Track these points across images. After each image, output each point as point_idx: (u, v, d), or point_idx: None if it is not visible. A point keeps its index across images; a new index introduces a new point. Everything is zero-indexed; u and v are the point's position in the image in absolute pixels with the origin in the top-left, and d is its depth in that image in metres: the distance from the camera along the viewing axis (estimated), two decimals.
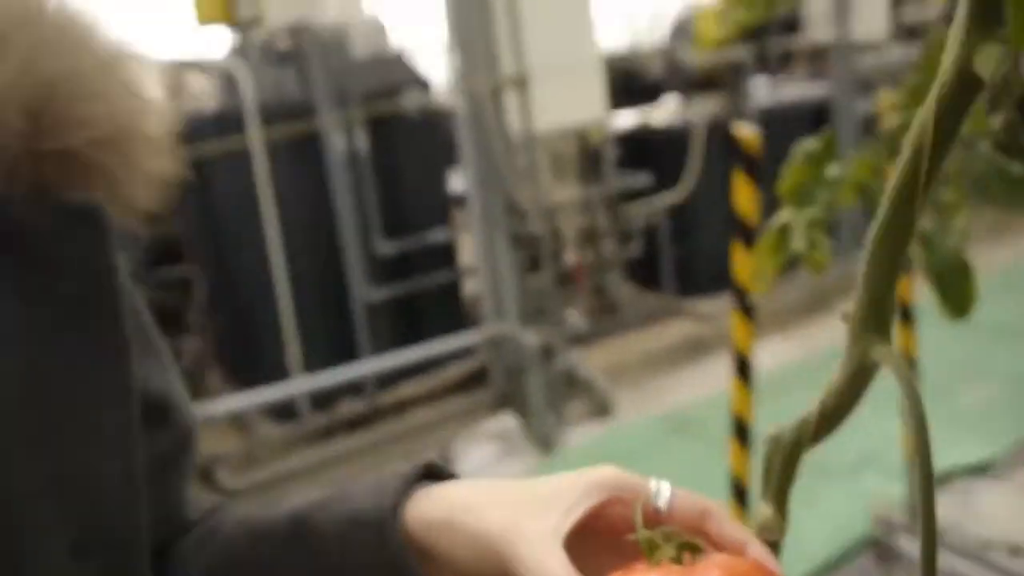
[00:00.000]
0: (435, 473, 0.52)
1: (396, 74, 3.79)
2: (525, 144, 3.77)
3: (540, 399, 3.58)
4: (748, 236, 1.96)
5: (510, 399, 3.64)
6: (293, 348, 3.54)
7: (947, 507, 2.67)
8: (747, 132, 1.97)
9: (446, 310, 3.97)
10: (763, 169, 1.94)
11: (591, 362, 4.06)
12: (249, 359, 3.89)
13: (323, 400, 3.55)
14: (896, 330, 1.53)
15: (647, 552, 0.43)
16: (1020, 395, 3.44)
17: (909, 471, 2.40)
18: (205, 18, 3.72)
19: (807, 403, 0.43)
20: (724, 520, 0.46)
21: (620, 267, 4.60)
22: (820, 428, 0.43)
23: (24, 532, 0.43)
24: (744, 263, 1.99)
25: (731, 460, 2.12)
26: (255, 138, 3.43)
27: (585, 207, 4.45)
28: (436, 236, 3.88)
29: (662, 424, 3.62)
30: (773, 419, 0.47)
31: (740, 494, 2.15)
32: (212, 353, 4.22)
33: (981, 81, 0.33)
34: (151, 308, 0.55)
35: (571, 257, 4.44)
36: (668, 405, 3.78)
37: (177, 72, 3.82)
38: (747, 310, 2.02)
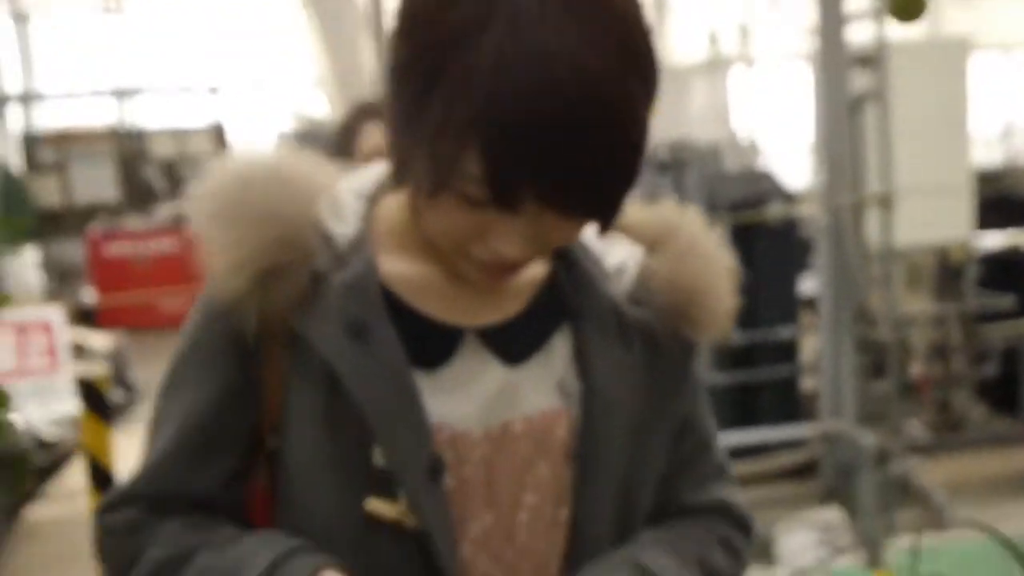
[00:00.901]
0: None
1: (762, 186, 4.24)
2: (882, 256, 4.00)
3: (870, 499, 3.73)
4: None
5: (838, 495, 3.83)
6: None
7: None
8: None
9: (783, 402, 4.26)
10: None
11: (930, 475, 4.10)
12: None
13: None
14: None
15: None
16: None
17: None
18: None
19: None
20: None
21: (971, 385, 4.56)
22: None
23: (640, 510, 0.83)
24: None
25: None
26: None
27: (940, 322, 4.52)
28: (783, 333, 4.21)
29: (996, 547, 3.58)
30: None
31: None
32: None
33: None
34: None
35: (918, 369, 4.51)
36: (1006, 531, 3.72)
37: None
38: None
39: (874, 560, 3.62)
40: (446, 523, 0.73)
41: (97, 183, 7.95)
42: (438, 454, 0.74)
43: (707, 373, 4.10)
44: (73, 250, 8.24)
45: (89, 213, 8.27)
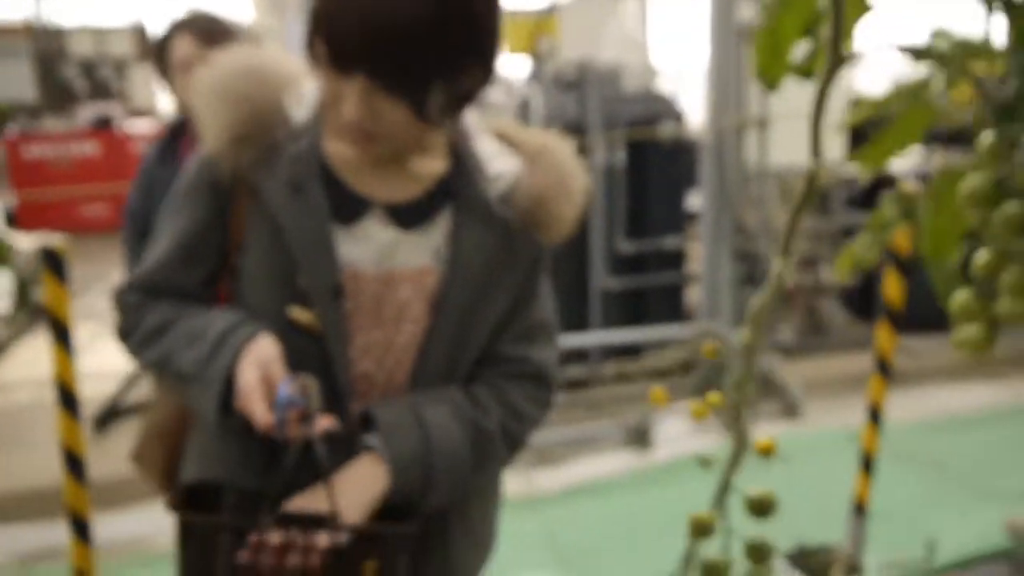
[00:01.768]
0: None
1: (657, 107, 4.57)
2: (758, 176, 4.41)
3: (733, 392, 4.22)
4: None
5: (709, 388, 4.30)
6: None
7: None
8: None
9: (669, 306, 4.71)
10: None
11: (791, 373, 4.61)
12: None
13: None
14: None
15: None
16: None
17: None
18: (513, 49, 4.73)
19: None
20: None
21: (836, 295, 5.07)
22: None
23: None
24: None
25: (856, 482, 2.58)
26: None
27: (810, 237, 4.98)
28: (670, 242, 4.62)
29: (842, 435, 4.11)
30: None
31: (859, 509, 2.60)
32: None
33: None
34: None
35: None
36: (855, 422, 4.26)
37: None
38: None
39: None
40: (342, 330, 1.05)
41: (14, 82, 7.84)
42: (341, 283, 1.04)
43: (601, 277, 4.50)
44: None
45: (5, 113, 8.16)
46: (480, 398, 1.13)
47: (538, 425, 1.20)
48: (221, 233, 1.09)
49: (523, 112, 4.54)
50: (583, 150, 4.46)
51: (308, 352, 1.05)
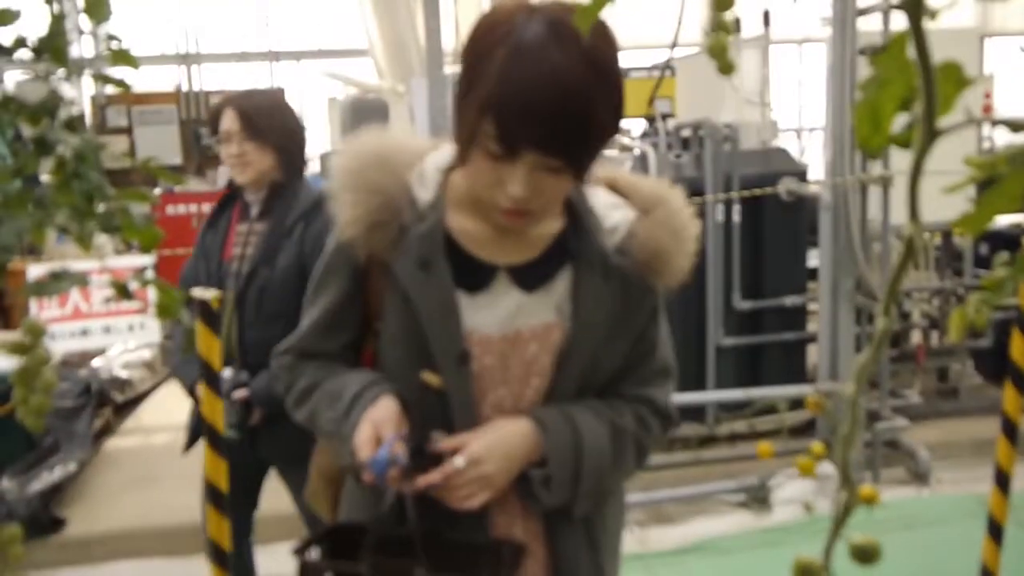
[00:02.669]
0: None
1: (776, 164, 4.55)
2: (882, 233, 4.31)
3: (859, 456, 4.08)
4: None
5: (831, 451, 4.18)
6: None
7: None
8: None
9: (789, 366, 4.61)
10: None
11: (919, 437, 4.43)
12: None
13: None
14: None
15: None
16: None
17: None
18: (629, 110, 4.81)
19: None
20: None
21: (967, 356, 4.85)
22: None
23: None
24: None
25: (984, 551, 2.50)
26: None
27: (940, 296, 4.81)
28: (789, 301, 4.55)
29: (971, 501, 3.92)
30: None
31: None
32: None
33: None
34: None
35: (916, 339, 4.82)
36: (985, 488, 4.04)
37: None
38: None
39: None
40: (468, 391, 1.16)
41: (165, 146, 8.45)
42: (466, 349, 1.16)
43: (717, 334, 4.46)
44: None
45: (156, 174, 8.71)
46: (615, 403, 1.23)
47: (655, 447, 1.28)
48: (360, 304, 1.22)
49: (641, 168, 4.60)
50: (699, 209, 4.47)
51: (437, 413, 1.16)
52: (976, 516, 3.83)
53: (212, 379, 1.77)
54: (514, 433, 1.14)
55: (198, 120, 8.40)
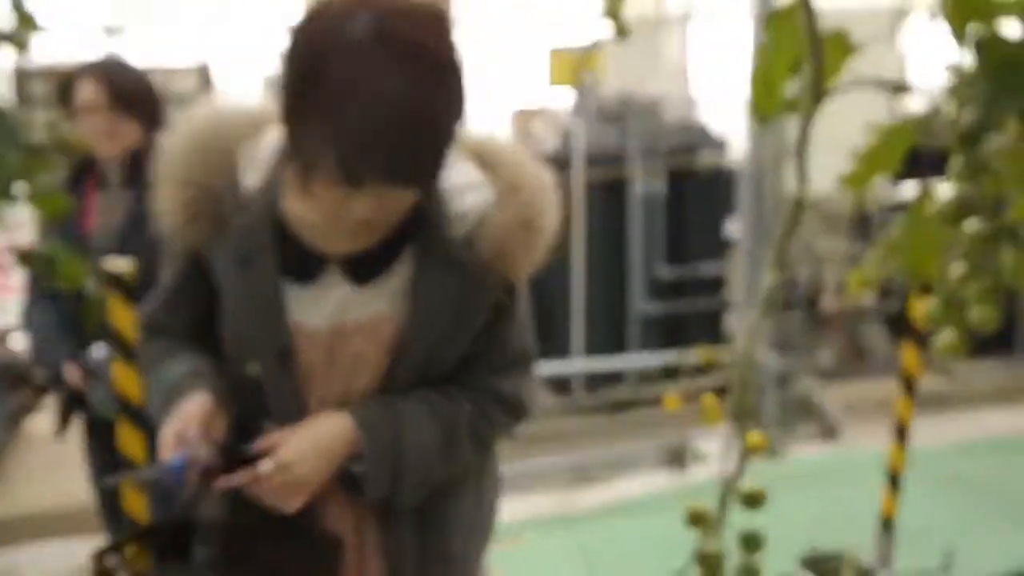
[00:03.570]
0: None
1: (696, 137, 4.69)
2: (795, 202, 4.48)
3: (771, 415, 4.28)
4: None
5: (744, 411, 4.36)
6: (578, 336, 4.57)
7: None
8: None
9: (708, 331, 4.78)
10: None
11: (831, 396, 4.64)
12: (542, 339, 5.01)
13: (593, 383, 4.54)
14: None
15: None
16: None
17: None
18: (556, 80, 4.89)
19: None
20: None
21: (878, 318, 5.09)
22: None
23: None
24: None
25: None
26: (578, 176, 4.50)
27: (852, 261, 5.02)
28: (708, 269, 4.71)
29: (879, 456, 4.13)
30: None
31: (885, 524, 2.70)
32: None
33: None
34: None
35: (830, 303, 5.03)
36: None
37: (527, 118, 5.04)
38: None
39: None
40: (291, 387, 1.11)
41: None
42: (288, 345, 1.09)
43: (640, 301, 4.61)
44: None
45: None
46: (453, 393, 1.16)
47: (503, 435, 1.23)
48: (201, 282, 1.14)
49: (565, 144, 4.69)
50: (622, 179, 4.59)
51: (263, 405, 1.13)
52: (881, 471, 4.03)
53: (128, 355, 1.77)
54: (330, 431, 1.10)
55: None
